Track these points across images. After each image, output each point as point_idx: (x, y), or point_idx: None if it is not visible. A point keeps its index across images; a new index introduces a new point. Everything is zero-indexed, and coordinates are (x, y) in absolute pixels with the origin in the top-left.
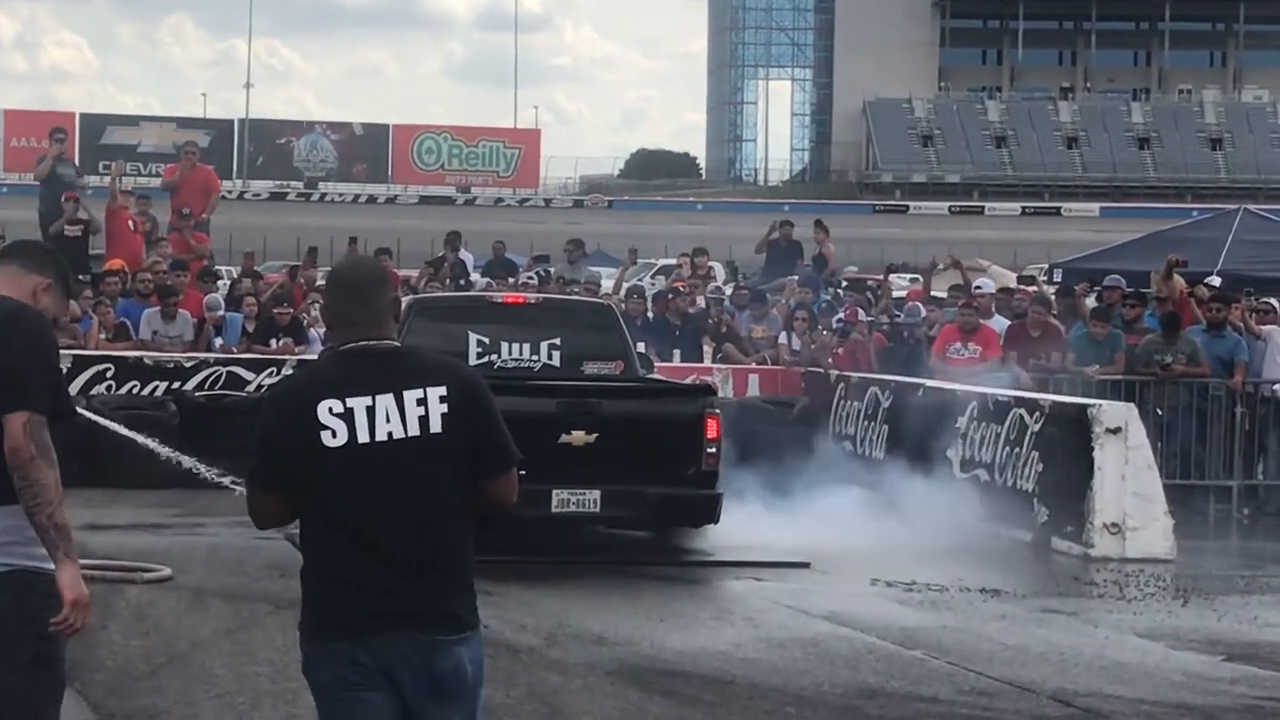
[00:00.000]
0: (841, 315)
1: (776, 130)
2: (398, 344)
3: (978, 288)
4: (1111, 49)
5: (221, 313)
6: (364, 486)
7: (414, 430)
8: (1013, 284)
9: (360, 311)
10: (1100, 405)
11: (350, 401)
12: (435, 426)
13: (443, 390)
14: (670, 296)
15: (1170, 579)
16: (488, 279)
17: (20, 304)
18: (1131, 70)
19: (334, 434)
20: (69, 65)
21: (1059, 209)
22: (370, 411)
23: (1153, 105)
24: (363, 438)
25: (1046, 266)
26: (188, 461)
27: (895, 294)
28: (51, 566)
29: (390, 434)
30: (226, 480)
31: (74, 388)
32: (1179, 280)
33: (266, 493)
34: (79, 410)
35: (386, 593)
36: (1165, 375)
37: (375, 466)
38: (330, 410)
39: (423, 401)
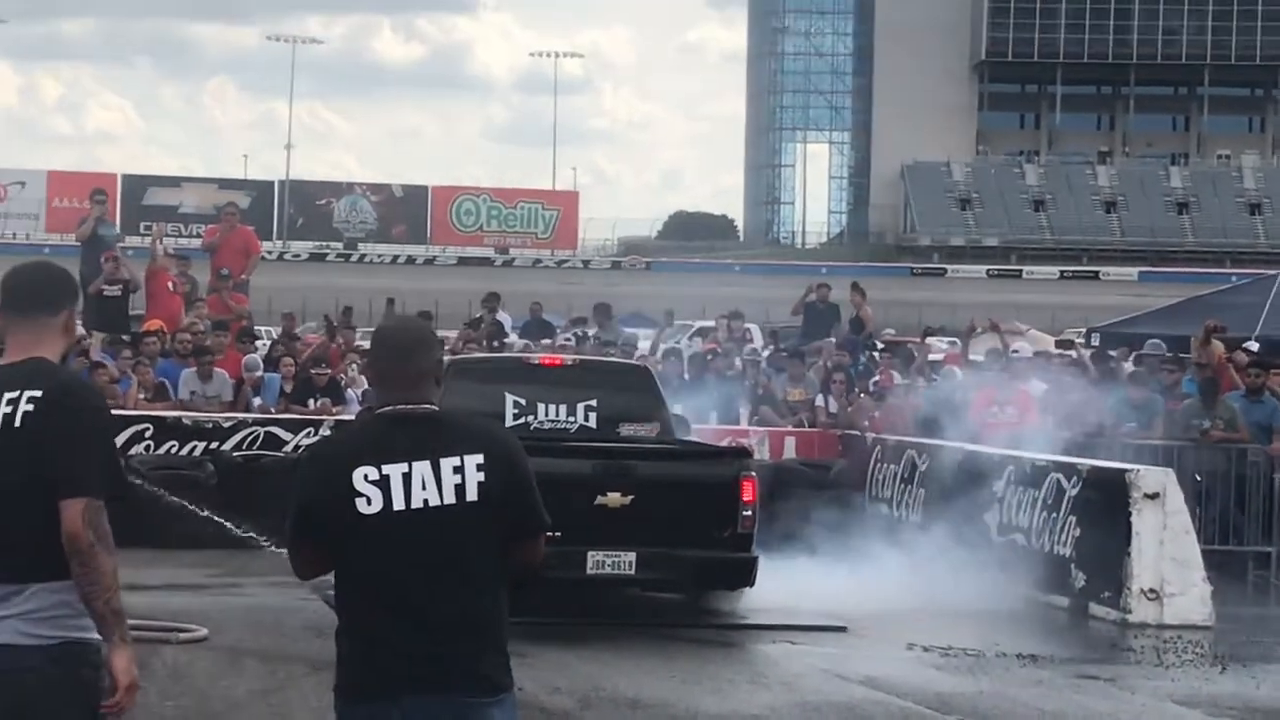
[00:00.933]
0: (878, 378)
1: (814, 193)
2: (436, 408)
3: (1015, 351)
4: (1150, 114)
5: (260, 373)
6: (399, 552)
7: (450, 499)
8: (1051, 348)
9: (401, 372)
10: (1138, 470)
11: (386, 469)
12: (471, 495)
13: (480, 459)
14: (708, 358)
15: (1208, 646)
16: (525, 340)
17: (79, 382)
18: (1170, 135)
19: (369, 501)
20: (112, 127)
21: (1097, 273)
22: (406, 479)
23: (1191, 170)
24: (398, 505)
25: (1084, 330)
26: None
27: (932, 357)
28: (98, 636)
29: (426, 501)
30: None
31: None
32: (1217, 345)
33: (304, 550)
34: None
35: (421, 655)
36: (1203, 440)
37: (410, 533)
38: (365, 477)
39: (460, 470)
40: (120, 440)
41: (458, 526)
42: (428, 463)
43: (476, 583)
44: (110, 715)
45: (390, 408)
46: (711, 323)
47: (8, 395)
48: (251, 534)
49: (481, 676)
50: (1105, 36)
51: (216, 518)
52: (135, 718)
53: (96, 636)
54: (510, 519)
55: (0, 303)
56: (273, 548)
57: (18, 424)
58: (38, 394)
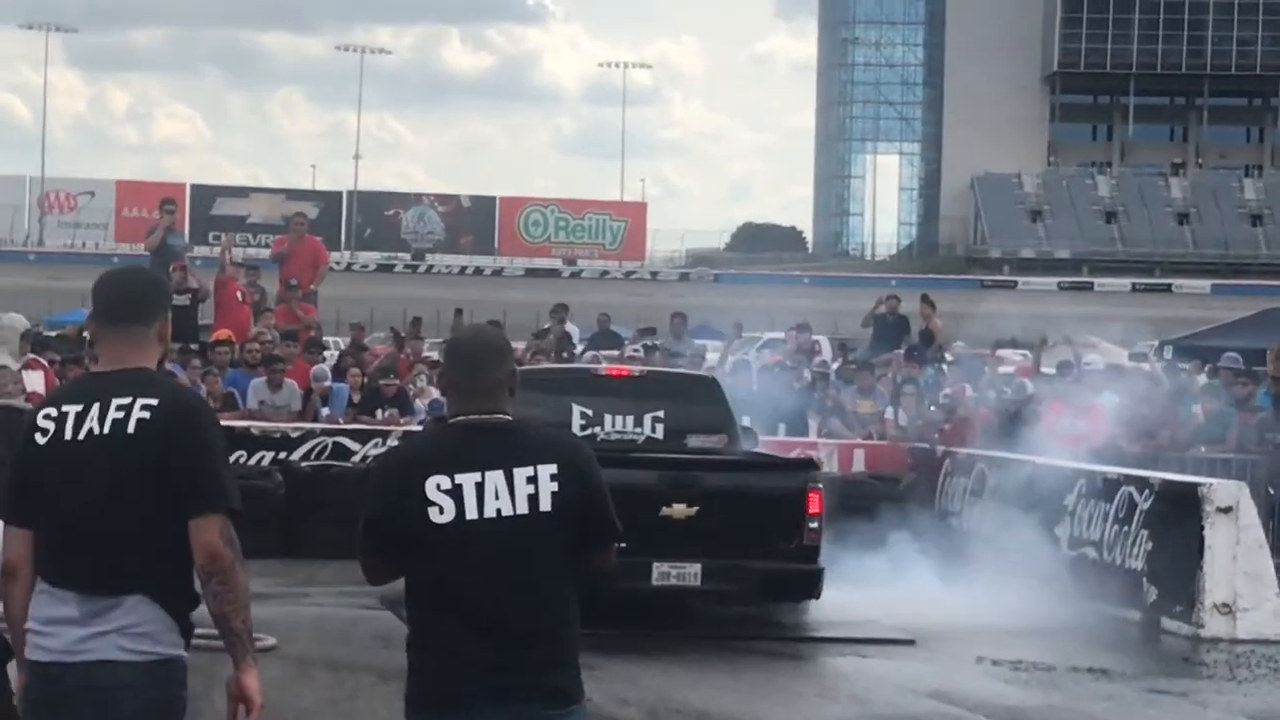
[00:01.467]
0: (948, 391)
1: (884, 204)
2: (509, 418)
3: (1087, 364)
4: (1224, 125)
5: (328, 383)
6: (471, 562)
7: (523, 509)
8: (1123, 361)
9: (474, 382)
10: (1211, 484)
11: (459, 478)
12: (545, 505)
13: (553, 469)
14: (776, 371)
15: None
16: (593, 351)
17: (196, 395)
18: (1244, 147)
19: (441, 510)
20: (181, 137)
21: (1169, 285)
22: (479, 488)
23: (1265, 182)
24: (471, 514)
25: (1157, 343)
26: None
27: (1003, 370)
28: (186, 654)
29: (499, 511)
30: None
31: None
32: None
33: (376, 558)
34: None
35: (492, 666)
36: (1278, 454)
37: (482, 543)
38: (438, 486)
39: (533, 480)
40: None
41: (531, 537)
42: (501, 472)
43: (549, 593)
44: None
45: (463, 417)
46: (780, 334)
47: (117, 401)
48: None
49: (553, 688)
50: (1178, 47)
51: None
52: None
53: (185, 654)
54: (584, 529)
55: (91, 311)
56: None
57: (131, 430)
58: (153, 403)
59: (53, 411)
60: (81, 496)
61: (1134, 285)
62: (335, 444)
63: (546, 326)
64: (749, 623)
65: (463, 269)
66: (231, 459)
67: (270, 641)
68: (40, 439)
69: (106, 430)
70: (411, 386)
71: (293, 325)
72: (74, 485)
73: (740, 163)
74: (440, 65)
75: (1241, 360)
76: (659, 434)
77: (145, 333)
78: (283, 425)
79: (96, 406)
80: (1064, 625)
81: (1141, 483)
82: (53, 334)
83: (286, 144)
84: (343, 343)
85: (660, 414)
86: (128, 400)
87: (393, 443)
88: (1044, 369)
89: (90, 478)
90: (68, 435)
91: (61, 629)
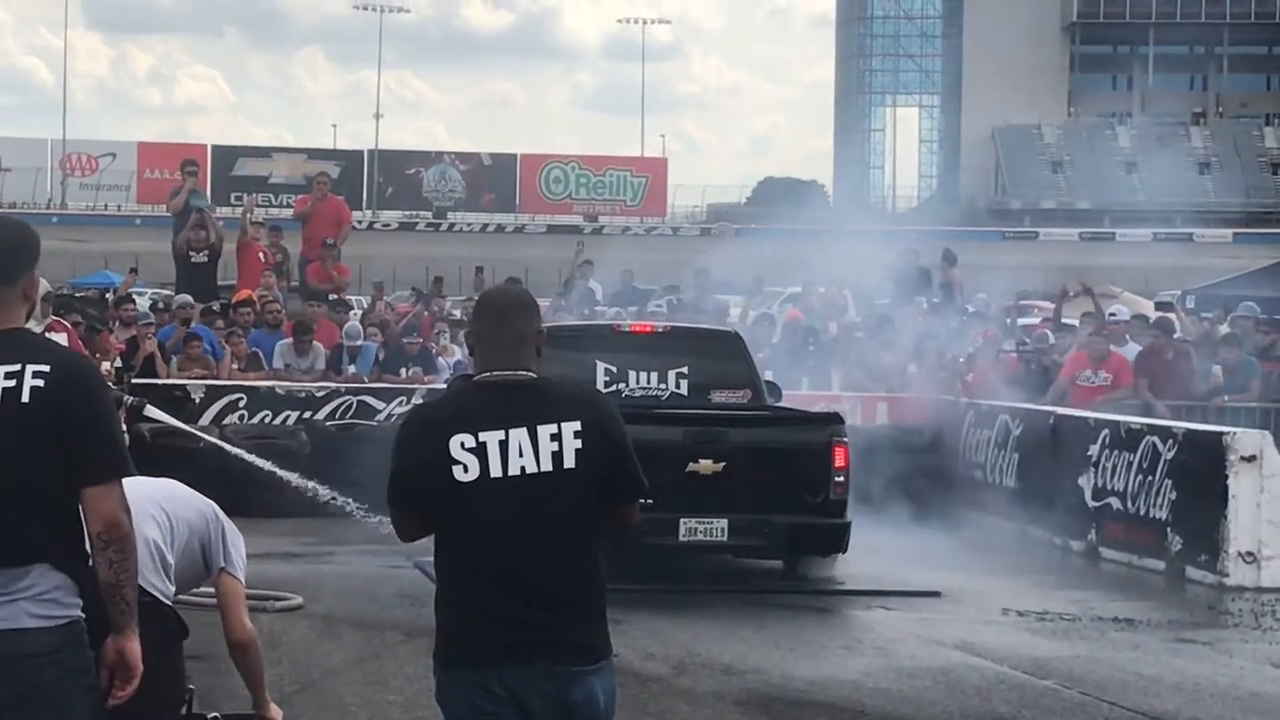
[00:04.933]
0: (975, 344)
1: (904, 157)
2: (533, 375)
3: (1112, 314)
4: (1243, 74)
5: (360, 342)
6: (496, 520)
7: (547, 465)
8: (1148, 311)
9: (501, 335)
10: (1235, 433)
11: (483, 436)
12: (569, 462)
13: (577, 425)
14: (804, 324)
15: None
16: (616, 308)
17: (87, 360)
18: (1264, 95)
19: (465, 469)
20: (203, 98)
21: (1191, 235)
22: (503, 446)
23: None
24: (495, 472)
25: (1179, 293)
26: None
27: (1026, 320)
28: (83, 614)
29: (523, 468)
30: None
31: (206, 417)
32: None
33: (404, 516)
34: (216, 441)
35: (520, 623)
36: None
37: (507, 501)
38: (462, 445)
39: (557, 437)
40: (214, 410)
41: (556, 494)
42: (524, 429)
43: (575, 550)
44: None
45: (488, 374)
46: (799, 288)
47: (5, 369)
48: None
49: (581, 644)
50: None
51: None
52: (232, 684)
53: (83, 615)
54: (609, 486)
55: None
56: (367, 515)
57: (25, 400)
58: (44, 369)
59: None
60: None
61: (1155, 235)
62: (360, 403)
63: (568, 279)
64: (774, 577)
65: (484, 227)
66: (256, 418)
67: (297, 600)
68: None
69: None
70: (434, 345)
71: (325, 285)
72: None
73: (760, 117)
74: (459, 22)
75: (1259, 309)
76: (683, 390)
77: (9, 292)
78: (307, 384)
79: None
80: (1088, 576)
81: (1165, 432)
82: (77, 295)
83: (308, 104)
84: (365, 301)
85: (684, 370)
86: (17, 367)
87: (417, 401)
88: (1066, 320)
89: None
90: None
91: None
